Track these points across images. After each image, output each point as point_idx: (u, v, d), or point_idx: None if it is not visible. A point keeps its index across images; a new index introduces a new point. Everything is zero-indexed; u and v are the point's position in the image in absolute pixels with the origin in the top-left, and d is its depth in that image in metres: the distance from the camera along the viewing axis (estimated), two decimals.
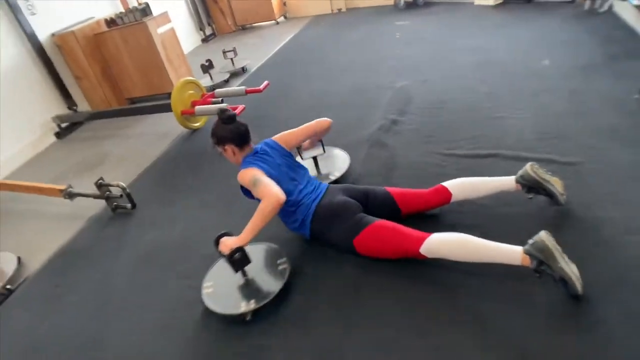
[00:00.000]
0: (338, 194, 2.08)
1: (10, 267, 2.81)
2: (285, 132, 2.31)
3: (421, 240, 1.75)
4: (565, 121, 2.62)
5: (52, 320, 2.27)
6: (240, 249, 1.87)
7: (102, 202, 3.07)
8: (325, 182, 2.26)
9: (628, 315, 1.49)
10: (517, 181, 1.97)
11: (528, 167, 1.95)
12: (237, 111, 3.31)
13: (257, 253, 2.10)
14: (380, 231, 1.88)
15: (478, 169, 2.37)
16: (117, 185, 2.99)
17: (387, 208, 2.07)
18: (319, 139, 2.52)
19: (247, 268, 1.97)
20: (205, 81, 4.85)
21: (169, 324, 1.98)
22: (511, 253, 1.62)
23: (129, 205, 3.05)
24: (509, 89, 3.15)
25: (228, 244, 1.88)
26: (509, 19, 4.51)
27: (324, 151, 2.56)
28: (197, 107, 3.64)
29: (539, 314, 1.57)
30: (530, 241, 1.58)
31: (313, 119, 2.40)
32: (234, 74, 5.06)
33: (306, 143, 2.55)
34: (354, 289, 1.88)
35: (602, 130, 2.45)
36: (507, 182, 2.00)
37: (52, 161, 4.31)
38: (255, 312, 1.86)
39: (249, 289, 1.97)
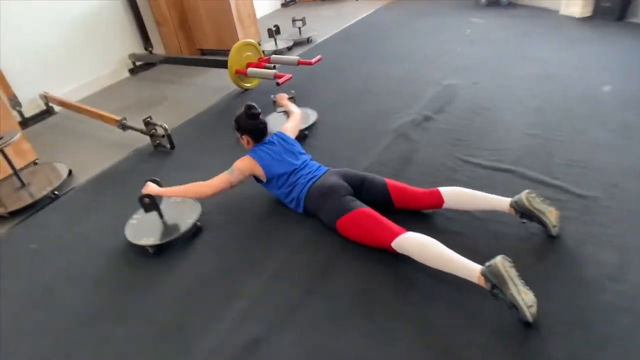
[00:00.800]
0: (333, 177, 2.17)
1: (61, 177, 3.22)
2: (286, 126, 2.57)
3: (395, 235, 1.82)
4: (600, 152, 2.46)
5: (81, 227, 2.66)
6: (150, 197, 2.24)
7: (147, 138, 3.38)
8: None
9: (571, 358, 1.47)
10: (511, 205, 1.94)
11: (523, 195, 1.91)
12: (282, 79, 3.45)
13: (186, 205, 2.46)
14: (362, 218, 1.95)
15: (488, 182, 2.34)
16: (161, 126, 3.28)
17: (381, 199, 2.13)
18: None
19: (165, 213, 2.38)
20: (269, 45, 5.01)
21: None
22: (470, 270, 1.63)
23: (168, 146, 3.34)
24: (557, 108, 2.99)
25: (148, 189, 2.27)
26: (589, 35, 4.16)
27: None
28: (250, 69, 3.81)
29: (484, 329, 1.59)
30: (487, 264, 1.58)
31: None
32: (298, 43, 5.16)
33: (278, 98, 3.02)
34: (324, 263, 2.00)
35: (633, 171, 2.29)
36: (502, 203, 1.97)
37: (121, 94, 4.75)
38: (159, 250, 2.24)
39: (159, 229, 2.32)
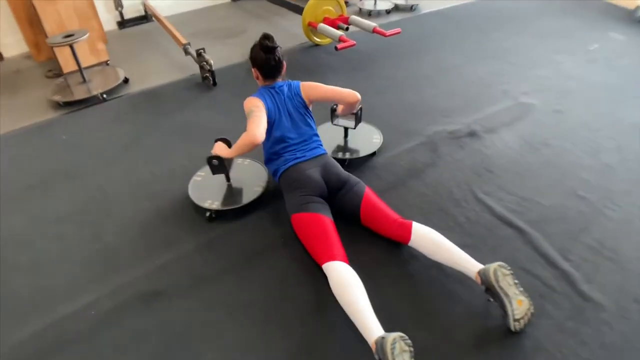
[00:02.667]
0: (315, 168, 1.96)
1: (116, 82, 3.43)
2: (315, 83, 2.14)
3: (327, 259, 1.67)
4: None
5: (113, 131, 2.90)
6: (219, 158, 2.04)
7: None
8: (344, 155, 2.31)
9: None
10: (479, 273, 1.58)
11: (493, 267, 1.53)
12: (341, 45, 3.17)
13: (253, 168, 2.36)
14: (312, 224, 1.81)
15: (485, 233, 1.94)
16: (207, 62, 3.26)
17: (351, 210, 1.95)
18: (352, 111, 2.30)
19: (233, 176, 2.25)
20: (369, 3, 4.62)
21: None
22: (370, 332, 1.42)
23: (211, 82, 3.34)
24: (634, 174, 2.30)
25: (217, 149, 2.08)
26: None
27: (355, 127, 2.38)
28: (321, 25, 3.56)
29: (465, 314, 1.61)
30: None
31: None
32: (399, 8, 4.68)
33: (340, 109, 2.35)
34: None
35: None
36: (470, 267, 1.62)
37: (209, 18, 4.83)
38: (218, 214, 2.14)
39: (224, 193, 2.22)
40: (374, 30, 3.50)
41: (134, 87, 3.49)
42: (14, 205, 2.35)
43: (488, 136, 2.60)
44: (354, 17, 3.66)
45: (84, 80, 3.42)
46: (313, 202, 1.86)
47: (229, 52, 3.93)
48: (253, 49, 1.99)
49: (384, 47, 3.76)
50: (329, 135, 2.49)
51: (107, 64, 3.81)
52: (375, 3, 4.60)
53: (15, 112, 3.28)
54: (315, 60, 3.68)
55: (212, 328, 1.65)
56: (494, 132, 2.63)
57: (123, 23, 4.69)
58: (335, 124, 2.43)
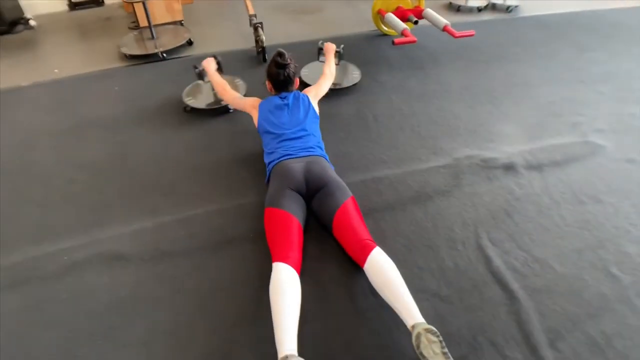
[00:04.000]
0: (300, 164, 1.91)
1: (178, 42, 3.55)
2: (312, 89, 2.31)
3: (276, 259, 1.62)
4: None
5: (157, 91, 3.03)
6: (199, 68, 2.61)
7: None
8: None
9: None
10: (413, 326, 1.36)
11: (419, 329, 1.33)
12: (398, 40, 2.91)
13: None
14: (277, 220, 1.76)
15: (468, 287, 1.67)
16: (260, 37, 3.21)
17: (324, 217, 1.85)
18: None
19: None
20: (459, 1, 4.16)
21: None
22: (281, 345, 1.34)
23: (262, 58, 3.30)
24: None
25: (205, 62, 2.55)
26: None
27: (338, 63, 2.80)
28: (388, 14, 3.28)
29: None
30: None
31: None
32: (495, 7, 4.14)
33: (326, 47, 2.66)
34: None
35: None
36: (406, 317, 1.43)
37: None
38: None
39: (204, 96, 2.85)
40: (444, 29, 3.14)
41: (195, 50, 3.58)
42: (50, 143, 2.57)
43: (527, 173, 2.20)
44: (429, 11, 3.31)
45: (152, 37, 3.59)
46: (286, 198, 1.80)
47: (296, 29, 3.83)
48: (269, 66, 2.15)
49: (454, 48, 3.37)
50: (317, 71, 2.65)
51: (181, 24, 3.94)
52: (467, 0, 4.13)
53: (89, 56, 3.57)
54: (376, 51, 3.42)
55: (151, 302, 1.67)
56: (538, 170, 2.22)
57: None
58: (321, 61, 2.76)
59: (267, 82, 2.20)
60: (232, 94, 2.34)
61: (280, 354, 1.33)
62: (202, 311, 1.63)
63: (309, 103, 2.16)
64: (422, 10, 3.36)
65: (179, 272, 1.79)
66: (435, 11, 3.40)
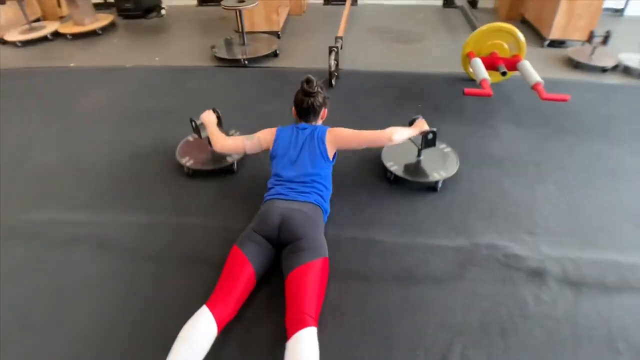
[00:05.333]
0: (283, 209, 1.77)
1: (264, 52, 3.65)
2: (342, 128, 1.99)
3: (208, 302, 1.54)
4: None
5: (226, 94, 3.22)
6: (200, 124, 2.26)
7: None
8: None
9: None
10: None
11: None
12: (470, 90, 2.59)
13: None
14: (231, 262, 1.66)
15: None
16: (330, 61, 3.12)
17: (284, 270, 1.66)
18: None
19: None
20: (584, 53, 3.51)
21: None
22: None
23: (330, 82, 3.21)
24: None
25: (203, 115, 2.27)
26: None
27: (421, 148, 2.28)
28: (474, 60, 2.92)
29: None
30: None
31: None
32: (627, 70, 3.39)
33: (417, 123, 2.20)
34: None
35: None
36: None
37: (405, 17, 4.56)
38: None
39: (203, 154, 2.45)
40: (533, 86, 2.67)
41: (278, 62, 3.65)
42: (109, 124, 2.87)
43: (558, 288, 1.72)
44: (525, 64, 2.86)
45: (243, 43, 3.76)
46: (253, 242, 1.70)
47: (383, 58, 3.66)
48: (296, 92, 2.01)
49: (546, 111, 2.85)
50: (404, 148, 2.32)
51: (277, 35, 4.06)
52: (591, 52, 3.46)
53: (188, 51, 3.89)
54: (452, 95, 3.08)
55: (103, 294, 1.77)
56: (575, 288, 1.73)
57: (329, 1, 4.87)
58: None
59: (293, 108, 2.06)
60: (237, 141, 2.07)
61: None
62: (135, 322, 1.64)
63: (323, 142, 1.95)
64: (518, 61, 2.91)
65: (139, 277, 1.83)
66: (550, 65, 2.95)
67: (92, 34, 4.35)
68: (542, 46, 3.75)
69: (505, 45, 3.01)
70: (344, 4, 4.57)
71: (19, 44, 4.19)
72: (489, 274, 1.78)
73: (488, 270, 1.80)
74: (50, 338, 1.60)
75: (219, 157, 2.40)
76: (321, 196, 1.90)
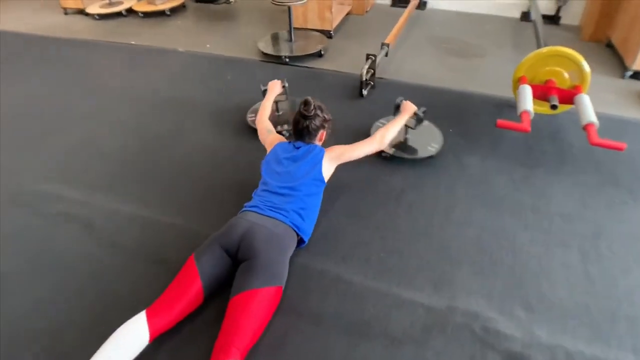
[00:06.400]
0: (251, 224, 1.66)
1: (308, 51, 3.50)
2: (337, 146, 1.96)
3: (147, 309, 1.48)
4: None
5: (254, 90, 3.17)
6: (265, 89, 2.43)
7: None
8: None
9: None
10: None
11: None
12: (503, 123, 2.28)
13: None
14: (182, 270, 1.59)
15: None
16: (362, 70, 2.88)
17: (232, 290, 1.54)
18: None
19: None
20: None
21: None
22: None
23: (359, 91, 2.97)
24: None
25: (271, 83, 2.42)
26: None
27: (414, 127, 2.34)
28: (523, 87, 2.51)
29: None
30: None
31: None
32: None
33: (403, 105, 2.25)
34: None
35: None
36: None
37: (476, 27, 4.11)
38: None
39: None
40: (584, 127, 2.23)
41: (320, 63, 3.48)
42: (134, 110, 2.93)
43: None
44: (584, 98, 2.39)
45: (290, 39, 3.63)
46: (211, 255, 1.61)
47: (432, 71, 3.32)
48: (295, 113, 1.95)
49: (596, 157, 2.36)
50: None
51: (329, 34, 3.87)
52: None
53: (240, 42, 3.86)
54: (491, 125, 2.67)
55: (70, 271, 1.81)
56: None
57: (396, 1, 4.56)
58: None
59: (291, 128, 2.02)
60: (263, 124, 2.14)
61: None
62: (89, 300, 1.67)
63: (319, 162, 1.84)
64: (577, 94, 2.45)
65: (111, 264, 1.84)
66: (625, 100, 2.47)
67: (161, 14, 4.50)
68: (623, 77, 3.15)
69: (566, 74, 2.54)
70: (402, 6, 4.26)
71: (97, 17, 4.46)
72: (456, 348, 1.50)
73: (456, 342, 1.51)
74: (17, 296, 1.70)
75: None
76: (300, 216, 1.77)
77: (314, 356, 1.49)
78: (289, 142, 1.97)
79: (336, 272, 1.77)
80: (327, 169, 1.88)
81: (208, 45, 3.83)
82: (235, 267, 1.62)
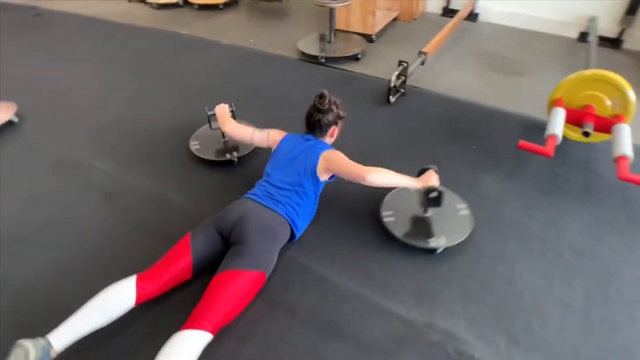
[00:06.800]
0: (243, 210, 1.71)
1: (344, 54, 3.50)
2: (336, 156, 1.84)
3: (140, 273, 1.56)
4: None
5: (289, 89, 3.23)
6: (213, 115, 2.29)
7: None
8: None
9: None
10: None
11: None
12: (525, 144, 2.18)
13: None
14: (177, 245, 1.66)
15: None
16: (391, 76, 2.84)
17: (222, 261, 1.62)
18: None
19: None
20: None
21: None
22: None
23: (390, 96, 2.93)
24: None
25: (218, 109, 2.27)
26: None
27: (424, 210, 1.96)
28: (557, 109, 2.38)
29: None
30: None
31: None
32: None
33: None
34: None
35: None
36: None
37: (527, 44, 3.90)
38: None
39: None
40: (616, 159, 2.07)
41: (355, 67, 3.47)
42: (171, 97, 3.08)
43: None
44: (623, 128, 2.21)
45: (330, 40, 3.65)
46: (205, 235, 1.68)
47: (469, 85, 3.20)
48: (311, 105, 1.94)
49: (633, 195, 2.18)
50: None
51: (370, 39, 3.85)
52: None
53: (284, 39, 3.91)
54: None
55: (82, 234, 1.94)
56: None
57: (447, 11, 4.46)
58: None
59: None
60: (248, 130, 2.08)
61: (40, 340, 1.31)
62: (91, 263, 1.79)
63: (317, 159, 1.83)
64: (616, 123, 2.28)
65: (119, 233, 1.97)
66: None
67: (215, 7, 4.69)
68: None
69: (608, 101, 2.36)
70: (465, 20, 4.14)
71: (155, 6, 4.73)
72: None
73: (426, 359, 1.46)
74: (31, 251, 1.89)
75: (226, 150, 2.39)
76: (295, 210, 1.79)
77: (283, 345, 1.50)
78: (299, 134, 1.97)
79: (322, 271, 1.76)
80: (321, 170, 1.82)
81: (251, 40, 3.94)
82: (226, 249, 1.66)
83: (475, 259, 1.83)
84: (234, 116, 2.31)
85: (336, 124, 1.94)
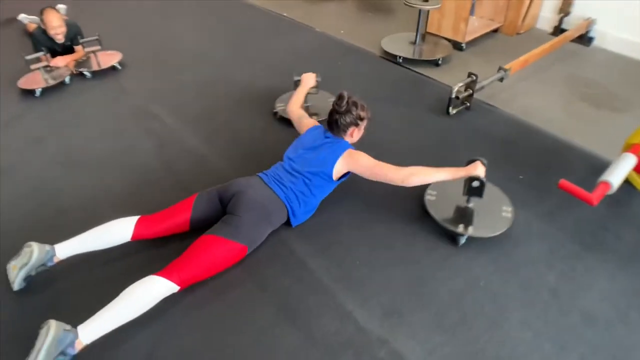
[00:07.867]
0: (245, 185, 1.81)
1: (425, 57, 3.34)
2: (360, 157, 1.84)
3: (142, 216, 1.73)
4: None
5: (347, 86, 3.17)
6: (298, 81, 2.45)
7: None
8: None
9: None
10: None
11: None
12: (568, 186, 1.89)
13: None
14: (181, 201, 1.80)
15: None
16: (458, 90, 2.64)
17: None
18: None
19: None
20: None
21: None
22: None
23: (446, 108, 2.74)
24: None
25: (305, 76, 2.45)
26: None
27: (467, 199, 1.93)
28: (627, 154, 2.00)
29: None
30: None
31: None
32: None
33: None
34: None
35: None
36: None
37: None
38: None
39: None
40: None
41: (433, 71, 3.29)
42: (252, 71, 3.26)
43: None
44: None
45: (414, 42, 3.51)
46: (208, 198, 1.79)
47: (549, 111, 2.83)
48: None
49: None
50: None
51: (460, 46, 3.60)
52: None
53: (373, 34, 3.82)
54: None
55: (132, 168, 2.24)
56: None
57: (558, 31, 3.95)
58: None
59: None
60: (295, 112, 2.21)
61: (47, 246, 1.55)
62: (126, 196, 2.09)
63: (334, 159, 1.82)
64: None
65: (162, 177, 2.25)
66: None
67: None
68: None
69: None
70: (576, 42, 3.65)
71: None
72: None
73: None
74: (84, 174, 2.26)
75: None
76: (297, 198, 1.83)
77: (241, 315, 1.58)
78: (323, 126, 1.99)
79: (305, 260, 1.78)
80: (339, 170, 1.83)
81: (342, 31, 3.95)
82: (223, 215, 1.76)
83: (465, 290, 1.67)
84: (318, 86, 2.47)
85: (356, 124, 1.89)
